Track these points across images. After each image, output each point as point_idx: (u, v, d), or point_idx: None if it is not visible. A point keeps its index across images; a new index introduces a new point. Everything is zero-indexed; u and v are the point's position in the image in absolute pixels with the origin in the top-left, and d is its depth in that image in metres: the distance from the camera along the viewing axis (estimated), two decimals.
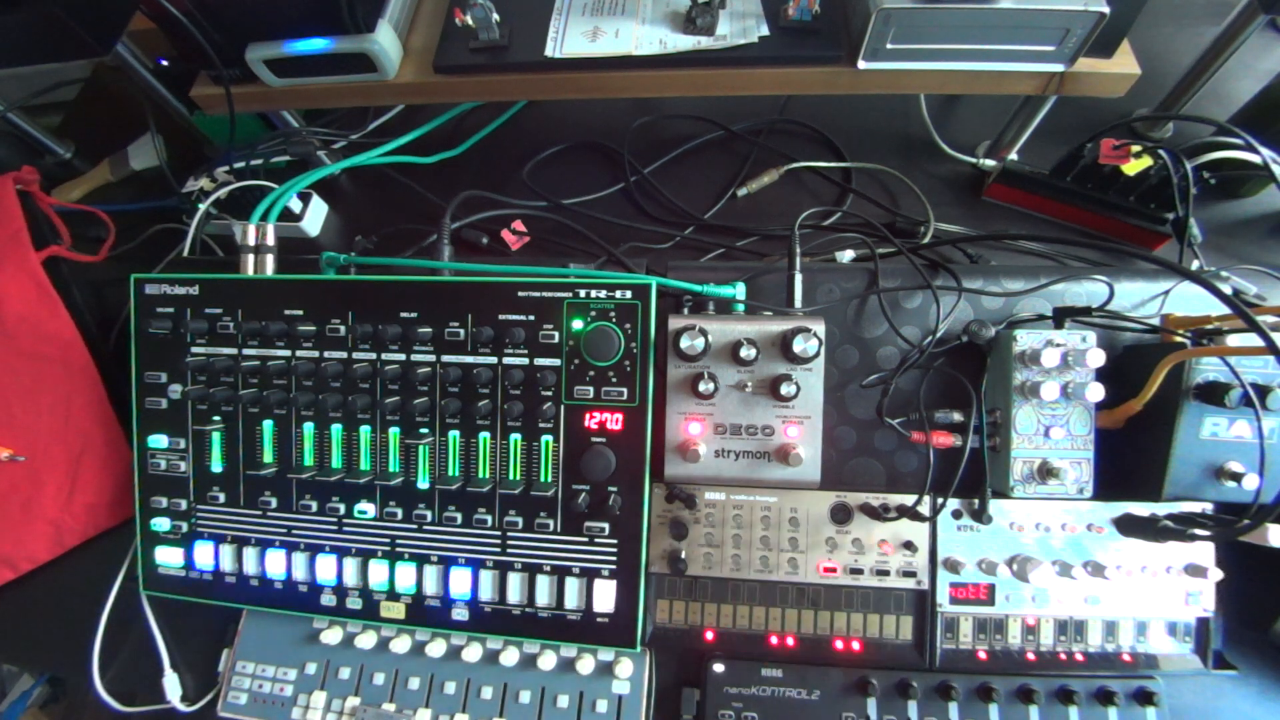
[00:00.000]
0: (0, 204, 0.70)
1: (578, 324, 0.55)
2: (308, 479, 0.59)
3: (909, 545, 0.54)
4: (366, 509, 0.58)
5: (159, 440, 0.62)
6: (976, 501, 0.54)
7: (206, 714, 0.60)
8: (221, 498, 0.60)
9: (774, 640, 0.55)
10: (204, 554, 0.60)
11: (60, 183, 0.84)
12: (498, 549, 0.56)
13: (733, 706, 0.54)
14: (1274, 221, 0.70)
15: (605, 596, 0.55)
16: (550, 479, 0.56)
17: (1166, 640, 0.52)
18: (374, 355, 0.58)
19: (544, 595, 0.56)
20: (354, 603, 0.58)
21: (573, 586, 0.55)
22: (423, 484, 0.57)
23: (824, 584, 0.55)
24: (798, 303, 0.57)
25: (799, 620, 0.55)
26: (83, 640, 0.63)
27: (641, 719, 0.55)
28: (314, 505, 0.59)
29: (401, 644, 0.58)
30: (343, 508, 0.58)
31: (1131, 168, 0.64)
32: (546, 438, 0.56)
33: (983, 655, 0.53)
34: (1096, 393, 0.51)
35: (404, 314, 0.57)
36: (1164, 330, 0.54)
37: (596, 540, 0.55)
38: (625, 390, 0.54)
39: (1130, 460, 0.53)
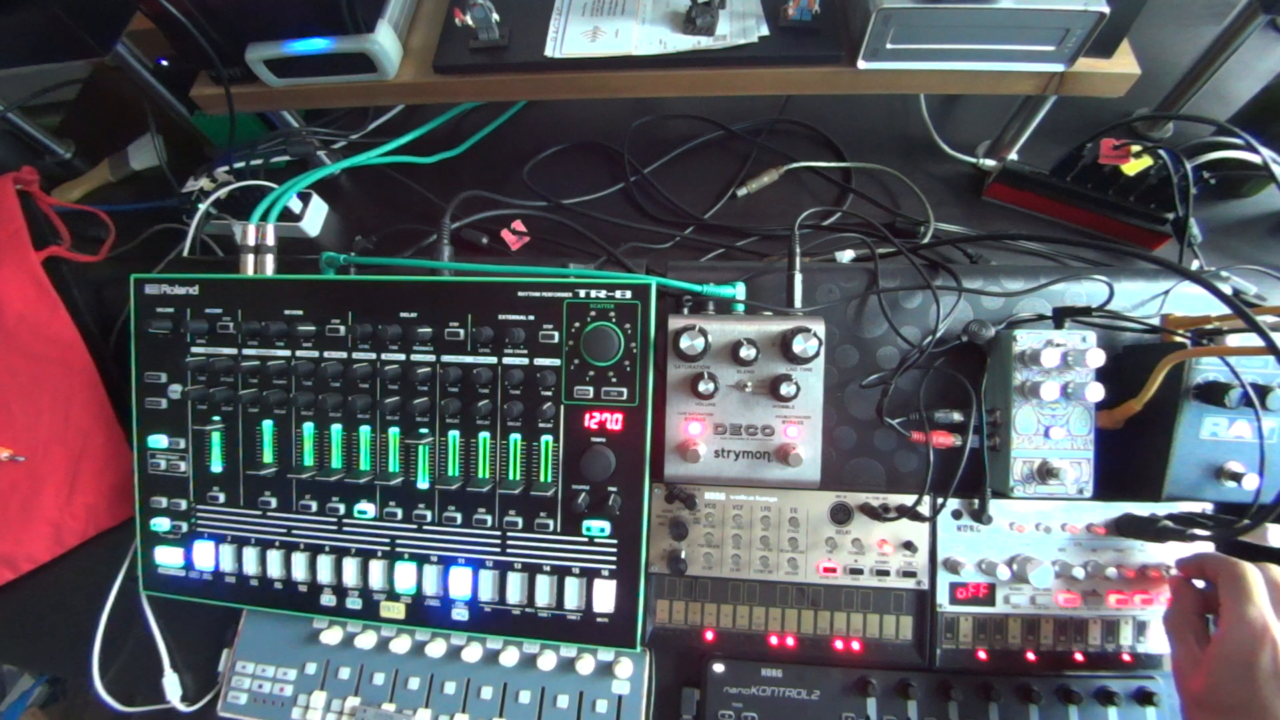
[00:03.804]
0: (0, 204, 0.70)
1: (577, 324, 0.55)
2: (308, 479, 0.59)
3: (909, 545, 0.54)
4: (366, 509, 0.58)
5: (159, 440, 0.62)
6: (976, 501, 0.54)
7: (206, 714, 0.60)
8: (221, 498, 0.60)
9: (774, 640, 0.55)
10: (204, 554, 0.60)
11: (60, 183, 0.84)
12: (497, 549, 0.56)
13: (732, 706, 0.54)
14: (1274, 221, 0.70)
15: (605, 596, 0.55)
16: (550, 479, 0.56)
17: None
18: (374, 355, 0.58)
19: (544, 595, 0.55)
20: (354, 603, 0.58)
21: (572, 586, 0.55)
22: (422, 484, 0.57)
23: (824, 584, 0.55)
24: (798, 303, 0.57)
25: (799, 620, 0.55)
26: (83, 640, 0.63)
27: (641, 719, 0.55)
28: (314, 505, 0.59)
29: (401, 644, 0.58)
30: (343, 508, 0.58)
31: (1131, 168, 0.64)
32: (546, 438, 0.56)
33: (983, 655, 0.53)
34: (1096, 393, 0.51)
35: (404, 314, 0.57)
36: (1164, 330, 0.54)
37: (596, 540, 0.55)
38: (625, 390, 0.54)
39: (1130, 460, 0.53)
